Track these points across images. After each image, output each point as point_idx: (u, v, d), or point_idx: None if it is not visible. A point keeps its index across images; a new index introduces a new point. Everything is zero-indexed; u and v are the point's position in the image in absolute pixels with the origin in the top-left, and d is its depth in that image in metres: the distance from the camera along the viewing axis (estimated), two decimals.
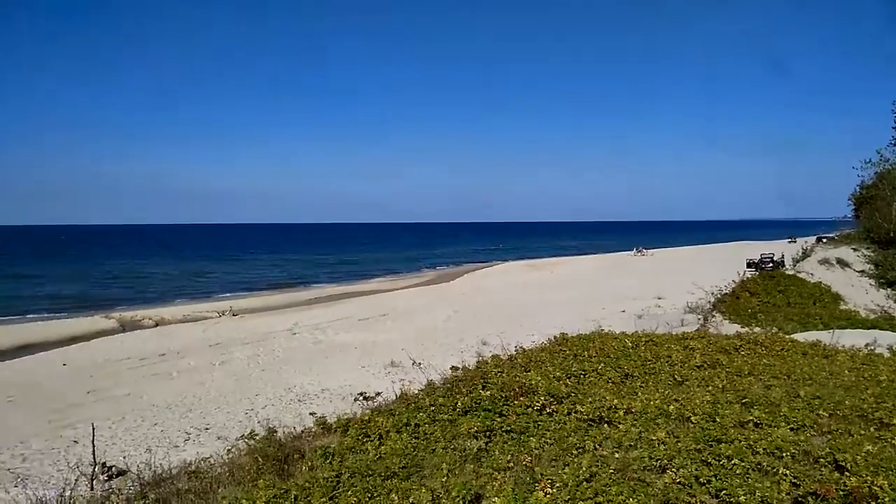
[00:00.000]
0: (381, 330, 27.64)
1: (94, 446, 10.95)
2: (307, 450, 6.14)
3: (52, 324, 34.57)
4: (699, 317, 18.67)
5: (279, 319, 33.04)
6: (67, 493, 5.13)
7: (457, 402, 6.92)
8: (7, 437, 14.61)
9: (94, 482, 10.45)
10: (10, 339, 29.33)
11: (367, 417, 6.77)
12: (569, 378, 7.94)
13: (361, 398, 8.00)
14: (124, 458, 12.57)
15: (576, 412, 6.46)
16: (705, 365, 8.46)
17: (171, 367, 21.93)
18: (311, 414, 8.03)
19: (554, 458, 5.30)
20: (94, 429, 11.56)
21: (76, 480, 8.33)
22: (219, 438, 13.59)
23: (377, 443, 6.08)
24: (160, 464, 5.97)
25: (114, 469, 11.75)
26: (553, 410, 6.57)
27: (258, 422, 14.48)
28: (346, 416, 7.21)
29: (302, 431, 7.01)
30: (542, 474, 4.71)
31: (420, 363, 10.58)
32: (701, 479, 4.61)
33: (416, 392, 8.38)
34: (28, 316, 39.02)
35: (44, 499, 5.02)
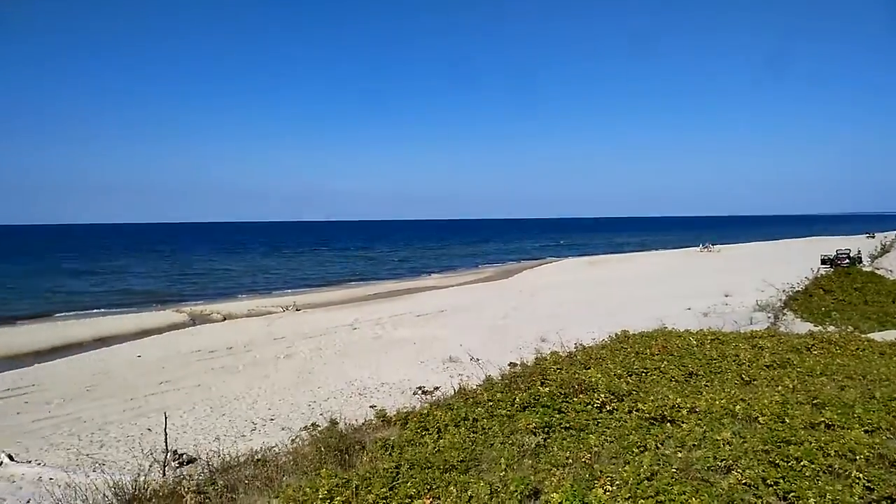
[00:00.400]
0: (438, 326, 27.81)
1: (166, 434, 11.50)
2: (367, 441, 6.27)
3: (128, 317, 36.35)
4: (769, 315, 17.97)
5: (340, 315, 33.71)
6: (142, 479, 5.38)
7: (515, 398, 6.91)
8: (86, 425, 15.44)
9: (166, 468, 10.97)
10: (88, 331, 31.05)
11: (425, 411, 6.85)
12: (630, 376, 7.80)
13: (420, 392, 8.13)
14: (194, 446, 13.10)
15: (637, 410, 6.34)
16: (775, 364, 8.15)
17: (238, 359, 22.70)
18: (371, 407, 8.21)
19: (614, 456, 5.22)
20: (166, 418, 12.14)
21: (150, 467, 8.77)
22: (283, 429, 13.99)
23: (436, 436, 6.14)
24: (228, 452, 6.20)
25: (184, 456, 12.28)
26: (613, 408, 6.48)
27: (320, 413, 14.95)
28: (405, 410, 7.31)
29: (362, 423, 7.15)
30: (601, 471, 4.65)
31: (478, 359, 10.64)
32: (768, 481, 4.45)
33: (475, 387, 8.41)
34: (103, 310, 41.16)
35: (120, 483, 5.27)
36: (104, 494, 5.19)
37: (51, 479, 11.53)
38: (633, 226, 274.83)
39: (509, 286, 46.72)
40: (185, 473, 7.35)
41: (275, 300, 42.70)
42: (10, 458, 12.75)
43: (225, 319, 35.12)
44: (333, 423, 6.65)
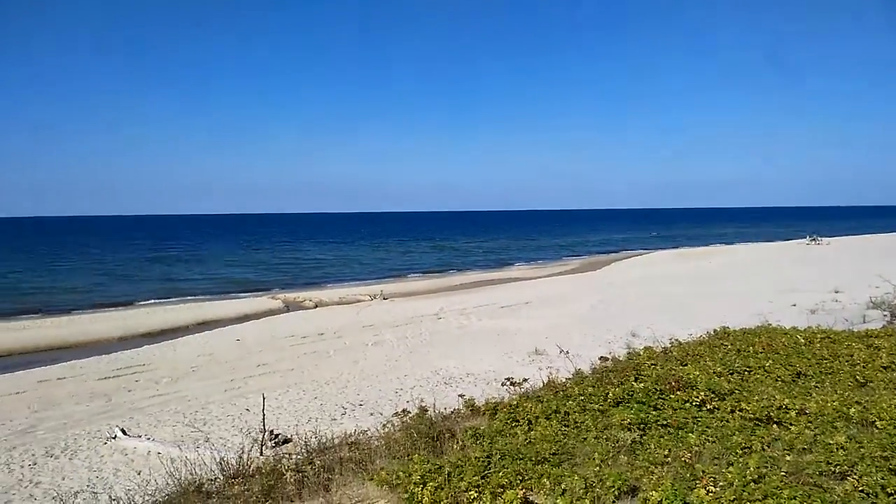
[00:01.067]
0: (524, 317, 27.62)
1: (263, 415, 12.03)
2: (457, 430, 6.30)
3: (227, 303, 38.44)
4: (885, 313, 16.62)
5: (426, 304, 34.16)
6: (245, 457, 5.65)
7: (608, 393, 6.75)
8: (191, 403, 16.39)
9: (263, 447, 11.51)
10: (192, 315, 33.01)
11: (515, 402, 6.81)
12: (731, 374, 7.44)
13: (508, 383, 8.04)
14: (288, 427, 13.65)
15: (740, 410, 6.04)
16: (893, 366, 7.53)
17: (328, 345, 23.46)
18: (459, 396, 8.21)
19: (716, 457, 4.99)
20: (263, 399, 12.68)
21: (252, 446, 9.21)
22: (371, 414, 14.33)
23: (526, 427, 6.09)
24: (324, 434, 6.41)
25: (280, 436, 12.81)
26: (714, 407, 6.19)
27: (407, 401, 15.21)
28: (493, 400, 7.30)
29: (451, 412, 7.21)
30: (703, 472, 4.45)
31: (567, 352, 10.46)
32: (888, 489, 4.11)
33: (564, 380, 8.29)
34: (204, 296, 43.67)
35: (225, 459, 5.56)
36: (211, 469, 5.49)
37: (159, 453, 12.39)
38: (726, 216, 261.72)
39: (597, 278, 45.75)
40: (282, 452, 7.70)
41: (363, 289, 43.80)
42: (124, 432, 13.77)
43: (316, 307, 36.43)
44: (423, 410, 6.73)
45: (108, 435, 13.62)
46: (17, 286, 48.12)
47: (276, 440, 12.44)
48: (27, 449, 13.06)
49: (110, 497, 7.13)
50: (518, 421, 6.26)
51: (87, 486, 10.91)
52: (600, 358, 9.35)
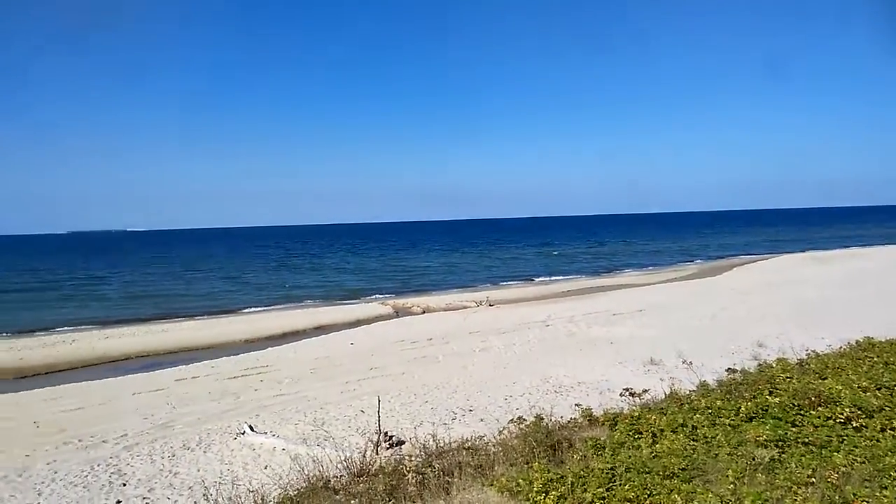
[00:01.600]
0: (637, 325, 26.64)
1: (378, 417, 12.33)
2: (576, 440, 6.16)
3: (341, 308, 40.09)
4: None
5: (533, 310, 33.82)
6: (367, 456, 5.82)
7: (739, 407, 6.37)
8: (311, 403, 17.11)
9: (379, 448, 11.80)
10: (310, 320, 34.63)
11: (636, 414, 6.57)
12: (879, 389, 6.77)
13: (627, 393, 7.78)
14: (401, 429, 13.92)
15: (892, 429, 5.48)
16: None
17: (437, 350, 23.77)
18: (576, 405, 8.05)
19: (867, 479, 4.55)
20: (378, 402, 13.01)
21: (373, 447, 9.48)
22: (482, 420, 14.33)
23: (650, 440, 5.85)
24: (441, 438, 6.48)
25: (394, 438, 13.08)
26: (862, 425, 5.66)
27: (517, 408, 15.09)
28: (612, 411, 7.08)
29: (568, 421, 7.07)
30: (854, 494, 4.07)
31: (691, 362, 9.97)
32: None
33: (688, 392, 7.90)
34: (320, 301, 45.84)
35: (350, 457, 5.75)
36: (336, 466, 5.70)
37: (284, 449, 13.05)
38: (868, 216, 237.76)
39: (717, 284, 43.32)
40: (398, 454, 7.86)
41: (469, 295, 44.08)
42: (251, 428, 14.61)
43: (424, 312, 37.09)
44: (539, 418, 6.64)
45: (238, 431, 14.52)
46: (160, 293, 52.80)
47: (391, 442, 12.71)
48: (167, 442, 14.16)
49: (248, 489, 7.59)
50: (641, 433, 6.02)
51: (220, 477, 11.63)
52: (727, 370, 8.85)
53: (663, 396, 8.01)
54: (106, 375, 23.00)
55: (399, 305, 40.00)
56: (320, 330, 31.77)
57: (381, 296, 47.11)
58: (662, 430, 5.99)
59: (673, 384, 8.56)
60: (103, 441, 14.44)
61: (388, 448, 12.16)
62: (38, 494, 11.23)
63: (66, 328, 35.51)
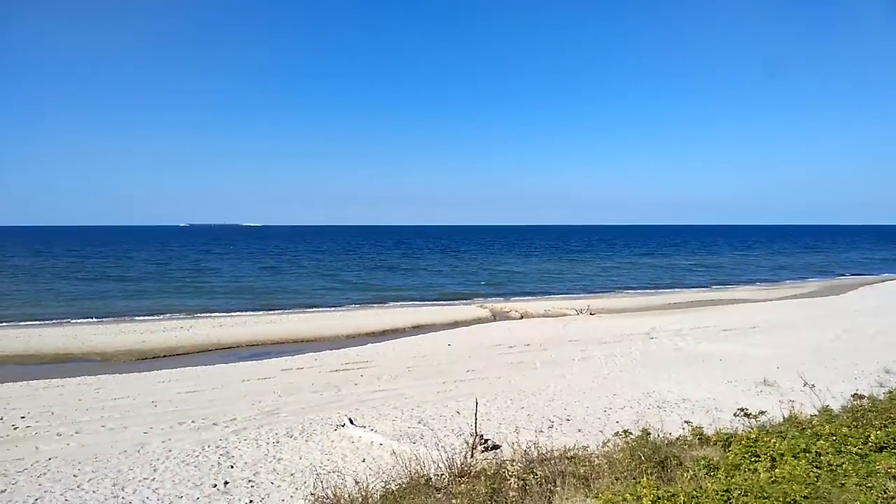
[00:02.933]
0: (749, 343, 25.12)
1: (475, 420, 12.33)
2: (685, 458, 5.87)
3: (439, 309, 40.58)
4: None
5: (636, 322, 32.76)
6: (468, 458, 5.82)
7: (868, 436, 5.83)
8: (408, 401, 17.41)
9: (475, 450, 11.79)
10: (408, 319, 35.32)
11: (753, 435, 6.16)
12: None
13: (742, 414, 7.31)
14: (497, 433, 13.86)
15: None
16: None
17: (534, 357, 23.53)
18: (685, 422, 7.69)
19: None
20: (476, 404, 13.03)
21: (469, 449, 9.48)
22: (579, 430, 14.02)
23: (768, 464, 5.47)
24: (544, 445, 6.38)
25: (489, 442, 13.04)
26: None
27: (617, 421, 14.65)
28: (725, 431, 6.70)
29: (677, 438, 6.75)
30: None
31: (813, 385, 9.26)
32: None
33: (809, 417, 7.35)
34: (417, 302, 46.60)
35: (451, 458, 5.78)
36: (437, 465, 5.74)
37: (381, 444, 13.33)
38: None
39: (840, 304, 40.10)
40: (494, 458, 7.81)
41: (569, 302, 43.30)
42: (351, 421, 15.07)
43: (522, 318, 36.85)
44: (646, 433, 6.38)
45: (338, 423, 15.02)
46: (266, 287, 55.78)
47: (486, 445, 12.68)
48: (272, 428, 14.86)
49: (355, 480, 7.83)
50: (758, 456, 5.64)
51: (320, 466, 12.05)
52: (853, 395, 8.15)
53: (781, 419, 7.49)
54: (218, 361, 24.53)
55: (497, 309, 39.97)
56: (418, 329, 32.35)
57: (479, 299, 47.28)
58: (782, 455, 5.58)
59: (793, 407, 7.97)
60: (214, 424, 15.36)
61: (483, 451, 12.14)
62: (154, 470, 12.08)
63: (182, 315, 38.24)
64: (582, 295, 50.26)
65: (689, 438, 6.71)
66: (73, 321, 35.52)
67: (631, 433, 6.31)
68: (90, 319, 36.15)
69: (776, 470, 5.25)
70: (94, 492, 10.95)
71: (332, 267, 79.92)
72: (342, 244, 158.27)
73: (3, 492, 11.00)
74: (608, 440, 6.57)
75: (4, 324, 34.05)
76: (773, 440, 5.91)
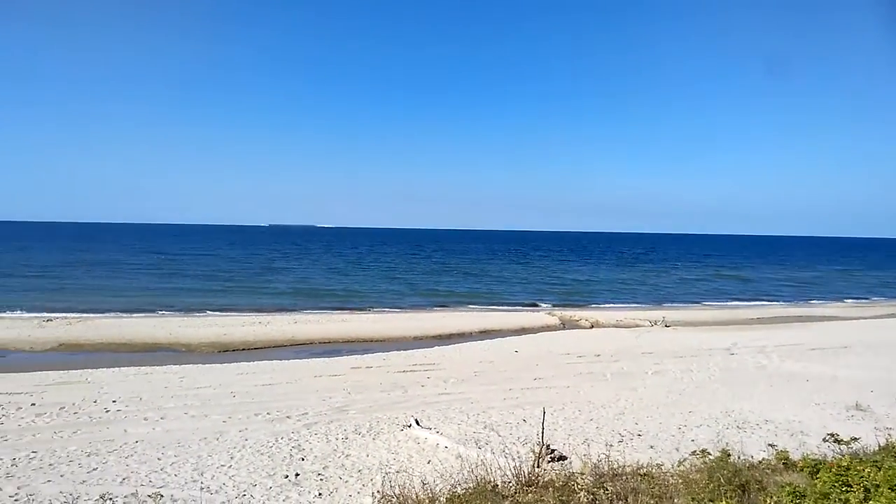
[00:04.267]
0: (840, 364, 23.57)
1: (542, 428, 12.10)
2: (768, 483, 5.50)
3: (506, 315, 40.28)
4: None
5: (715, 336, 31.41)
6: (536, 467, 5.68)
7: None
8: (473, 406, 17.30)
9: (540, 460, 11.56)
10: (475, 323, 35.29)
11: (845, 463, 5.71)
12: None
13: (832, 439, 6.81)
14: (564, 444, 13.56)
15: None
16: None
17: (604, 368, 22.93)
18: (769, 445, 7.24)
19: None
20: (544, 413, 12.79)
21: (535, 459, 9.32)
22: (651, 447, 13.52)
23: (861, 495, 5.05)
24: (615, 459, 6.15)
25: (556, 452, 12.76)
26: None
27: (692, 439, 14.04)
28: (813, 457, 6.25)
29: (759, 461, 6.35)
30: None
31: None
32: None
33: None
34: (483, 306, 46.48)
35: (519, 467, 5.65)
36: (504, 473, 5.63)
37: (446, 447, 13.29)
38: None
39: None
40: (562, 469, 7.60)
41: (641, 313, 42.07)
42: (417, 422, 15.11)
43: (592, 327, 36.07)
44: (726, 454, 6.04)
45: (405, 423, 15.11)
46: (339, 288, 57.24)
47: (553, 455, 12.42)
48: (341, 424, 15.12)
49: (422, 481, 7.83)
50: (850, 486, 5.22)
51: (387, 465, 12.15)
52: None
53: (876, 447, 6.93)
54: (292, 357, 25.25)
55: (567, 317, 39.30)
56: (485, 334, 32.23)
57: (547, 306, 46.67)
58: (878, 486, 5.14)
59: (889, 435, 7.36)
60: (287, 416, 15.78)
61: (549, 461, 11.89)
62: (231, 458, 12.54)
63: (259, 311, 39.65)
64: (656, 306, 48.72)
65: (772, 462, 6.30)
66: (161, 313, 37.52)
67: (709, 453, 5.98)
68: (176, 312, 38.10)
69: (870, 502, 4.85)
70: (175, 475, 11.47)
71: (400, 269, 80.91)
72: (409, 247, 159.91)
73: (95, 469, 11.67)
74: (684, 459, 6.24)
75: (100, 314, 36.28)
76: (867, 469, 5.45)
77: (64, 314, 35.32)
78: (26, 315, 34.74)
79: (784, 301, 54.37)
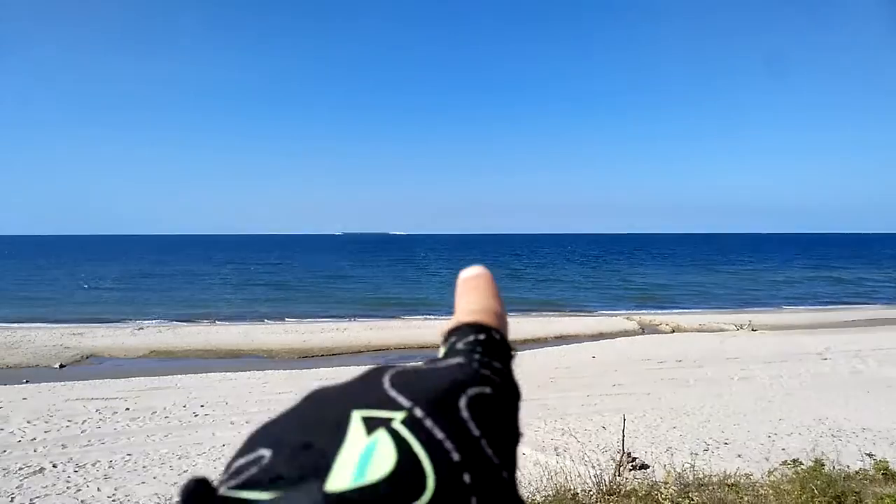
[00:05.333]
0: None
1: (623, 436, 11.93)
2: (867, 495, 5.23)
3: (583, 319, 39.70)
4: None
5: (806, 340, 29.79)
6: (617, 476, 5.62)
7: None
8: (550, 412, 17.15)
9: (621, 468, 11.37)
10: (550, 328, 34.87)
11: None
12: None
13: None
14: (645, 452, 13.28)
15: None
16: None
17: (687, 374, 22.23)
18: (866, 455, 6.86)
19: None
20: (624, 420, 12.59)
21: (616, 467, 9.18)
22: (739, 455, 13.07)
23: None
24: (700, 469, 5.99)
25: (637, 461, 12.52)
26: None
27: (782, 448, 13.43)
28: None
29: (855, 472, 6.04)
30: None
31: None
32: None
33: None
34: (556, 310, 45.95)
35: (601, 475, 5.61)
36: (584, 481, 5.60)
37: (524, 454, 13.26)
38: None
39: None
40: (644, 477, 7.46)
41: (724, 317, 40.39)
42: None
43: (673, 331, 34.96)
44: (820, 463, 5.76)
45: None
46: (404, 294, 58.01)
47: (634, 464, 12.18)
48: None
49: None
50: None
51: None
52: None
53: None
54: (369, 362, 25.74)
55: (646, 322, 38.27)
56: (561, 339, 31.81)
57: (624, 310, 45.60)
58: None
59: None
60: None
61: (630, 469, 11.68)
62: None
63: (336, 318, 40.74)
64: (741, 309, 46.57)
65: (870, 472, 5.98)
66: (243, 321, 39.23)
67: (801, 462, 5.73)
68: (256, 320, 39.75)
69: None
70: None
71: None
72: (478, 253, 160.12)
73: (185, 472, 12.36)
74: (774, 468, 6.00)
75: (186, 322, 38.33)
76: None
77: (153, 322, 37.59)
78: (120, 325, 37.04)
79: (883, 302, 50.90)
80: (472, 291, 0.60)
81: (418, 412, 0.39)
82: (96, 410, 17.38)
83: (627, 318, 39.87)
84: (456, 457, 0.36)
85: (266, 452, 0.38)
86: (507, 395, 0.49)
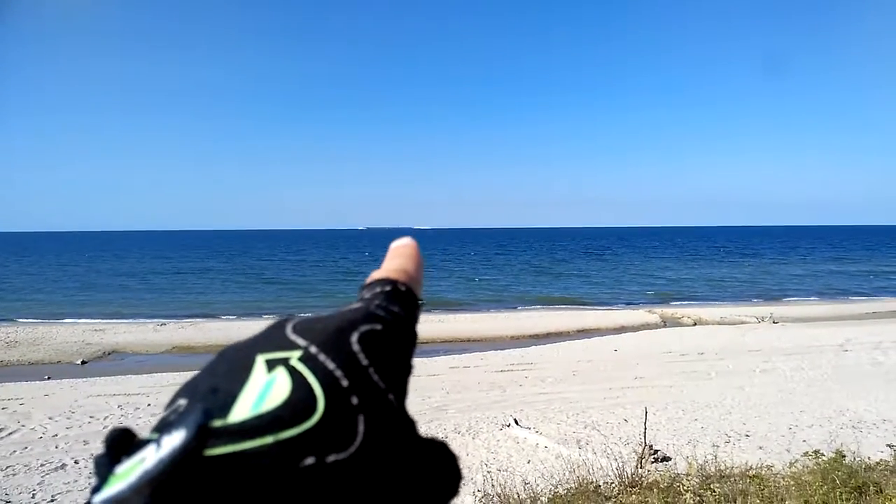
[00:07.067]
0: None
1: (645, 428, 12.05)
2: (888, 485, 5.37)
3: (605, 313, 39.69)
4: None
5: (826, 332, 29.61)
6: (639, 468, 5.80)
7: None
8: (572, 405, 17.31)
9: (643, 461, 11.53)
10: (572, 322, 34.96)
11: None
12: None
13: None
14: (667, 445, 13.39)
15: None
16: None
17: (708, 366, 22.25)
18: (888, 446, 6.97)
19: None
20: (646, 412, 12.72)
21: (638, 459, 9.35)
22: (760, 447, 13.12)
23: None
24: (723, 461, 6.16)
25: (659, 453, 12.64)
26: None
27: (803, 440, 13.50)
28: None
29: (877, 463, 6.17)
30: None
31: None
32: None
33: None
34: (576, 304, 46.04)
35: (622, 467, 5.79)
36: (606, 473, 5.80)
37: (546, 447, 13.44)
38: None
39: None
40: (666, 470, 7.63)
41: (746, 309, 40.17)
42: (516, 422, 15.34)
43: (695, 324, 34.89)
44: (840, 454, 5.91)
45: (504, 423, 15.37)
46: (441, 288, 58.25)
47: (655, 456, 12.32)
48: (440, 423, 15.57)
49: (524, 481, 8.12)
50: None
51: (486, 464, 12.46)
52: None
53: None
54: None
55: (667, 315, 38.20)
56: (583, 333, 31.90)
57: (645, 303, 45.51)
58: None
59: None
60: None
61: (652, 462, 11.82)
62: None
63: None
64: (762, 301, 46.27)
65: (891, 463, 6.10)
66: (264, 317, 39.68)
67: (822, 454, 5.88)
68: (276, 315, 40.15)
69: None
70: None
71: (491, 270, 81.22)
72: (493, 247, 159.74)
73: None
74: (795, 460, 6.15)
75: (206, 318, 38.87)
76: None
77: (175, 319, 38.09)
78: (142, 320, 37.50)
79: None
80: (396, 257, 0.67)
81: (313, 349, 0.44)
82: (118, 406, 17.51)
83: (649, 312, 39.80)
84: (345, 383, 0.42)
85: (183, 401, 0.45)
86: (398, 333, 0.54)
